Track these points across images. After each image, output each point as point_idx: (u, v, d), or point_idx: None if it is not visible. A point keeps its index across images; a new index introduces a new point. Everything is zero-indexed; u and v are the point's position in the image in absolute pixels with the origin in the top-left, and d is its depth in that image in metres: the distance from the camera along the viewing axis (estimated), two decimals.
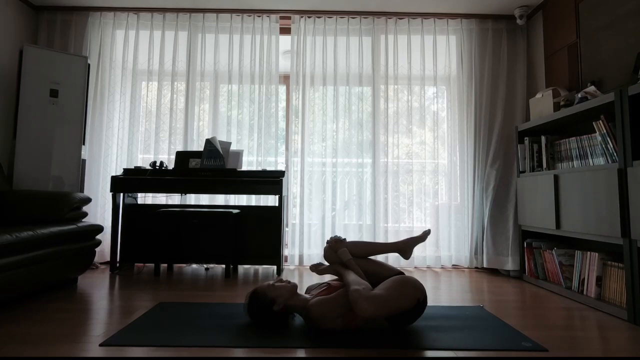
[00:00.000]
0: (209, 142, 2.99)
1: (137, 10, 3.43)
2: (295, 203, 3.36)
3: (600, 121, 2.15)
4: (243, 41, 3.44)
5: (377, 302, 1.55)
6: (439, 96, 3.47)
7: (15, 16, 3.22)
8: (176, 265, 3.20)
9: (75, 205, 2.46)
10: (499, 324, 1.81)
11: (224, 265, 3.20)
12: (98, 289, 2.40)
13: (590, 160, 2.28)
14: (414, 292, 1.64)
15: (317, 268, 1.91)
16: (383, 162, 3.37)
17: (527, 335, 1.68)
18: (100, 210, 3.29)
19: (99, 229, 2.53)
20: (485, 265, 3.15)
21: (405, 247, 1.96)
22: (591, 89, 2.31)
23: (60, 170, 2.95)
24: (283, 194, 2.95)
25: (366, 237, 3.32)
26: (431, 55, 3.47)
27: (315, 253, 3.31)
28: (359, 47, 3.44)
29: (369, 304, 1.53)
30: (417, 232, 3.34)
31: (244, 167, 3.31)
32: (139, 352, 1.44)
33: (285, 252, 3.32)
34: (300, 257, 3.28)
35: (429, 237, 3.33)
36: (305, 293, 1.91)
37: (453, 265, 3.34)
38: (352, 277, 1.70)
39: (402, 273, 1.84)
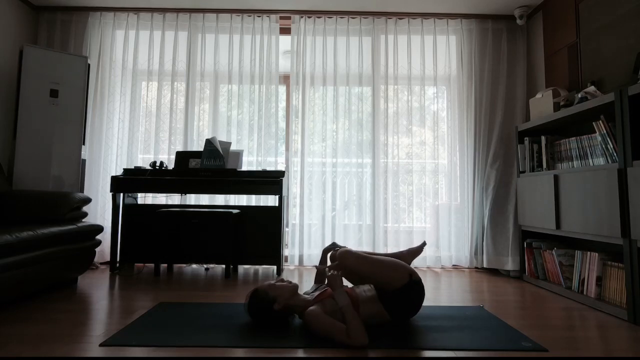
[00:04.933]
0: (209, 142, 2.99)
1: (137, 10, 3.43)
2: (295, 203, 3.36)
3: (600, 121, 2.15)
4: (243, 41, 3.44)
5: (360, 257, 1.73)
6: (439, 96, 3.47)
7: (15, 16, 3.22)
8: (176, 265, 3.20)
9: (76, 205, 2.46)
10: (499, 324, 1.81)
11: (224, 265, 3.20)
12: (98, 289, 2.40)
13: (590, 160, 2.28)
14: (403, 269, 1.72)
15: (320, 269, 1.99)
16: (383, 162, 3.37)
17: (527, 335, 1.68)
18: (100, 210, 3.29)
19: (99, 229, 2.53)
20: (485, 266, 3.15)
21: (403, 257, 2.04)
22: (591, 89, 2.31)
23: (60, 170, 2.95)
24: (283, 194, 2.95)
25: (366, 237, 3.32)
26: (431, 55, 3.47)
27: (315, 253, 3.31)
28: (359, 47, 3.44)
29: (351, 256, 1.72)
30: (416, 232, 3.34)
31: (244, 167, 3.31)
32: (139, 352, 1.44)
33: (285, 252, 3.32)
34: (300, 257, 3.28)
35: (429, 237, 3.35)
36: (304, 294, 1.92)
37: (453, 265, 3.34)
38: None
39: None
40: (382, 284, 1.72)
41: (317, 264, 2.03)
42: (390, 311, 1.70)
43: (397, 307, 1.70)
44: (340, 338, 1.51)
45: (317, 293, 1.79)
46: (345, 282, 2.49)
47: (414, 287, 1.71)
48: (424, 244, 2.07)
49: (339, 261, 1.77)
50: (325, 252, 2.09)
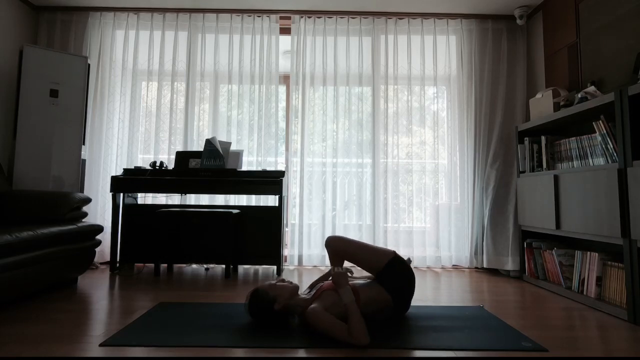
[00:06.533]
0: (209, 142, 2.99)
1: (137, 10, 3.42)
2: (295, 203, 3.36)
3: (600, 121, 2.15)
4: (243, 41, 3.44)
5: (349, 240, 1.85)
6: (439, 96, 3.47)
7: (15, 16, 3.22)
8: (176, 265, 3.20)
9: (76, 205, 2.46)
10: (499, 324, 1.81)
11: (224, 265, 3.20)
12: (98, 289, 2.40)
13: (590, 160, 2.28)
14: (387, 249, 1.87)
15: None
16: (383, 162, 3.37)
17: (527, 335, 1.68)
18: (100, 210, 3.29)
19: (99, 229, 2.53)
20: (485, 266, 3.15)
21: None
22: (591, 89, 2.31)
23: (60, 170, 2.94)
24: (283, 194, 2.95)
25: (366, 237, 3.32)
26: (431, 55, 3.47)
27: (315, 253, 3.31)
28: (359, 47, 3.44)
29: (340, 240, 1.83)
30: (416, 232, 3.34)
31: (244, 167, 3.31)
32: (139, 352, 1.44)
33: (285, 252, 3.32)
34: (300, 257, 3.28)
35: (429, 237, 3.35)
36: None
37: (453, 265, 3.34)
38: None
39: None
40: (370, 264, 1.83)
41: (318, 279, 2.07)
42: (389, 290, 1.76)
43: (393, 282, 1.78)
44: (342, 336, 1.51)
45: (314, 291, 1.79)
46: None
47: (400, 261, 1.84)
48: (410, 260, 2.08)
49: (330, 246, 1.85)
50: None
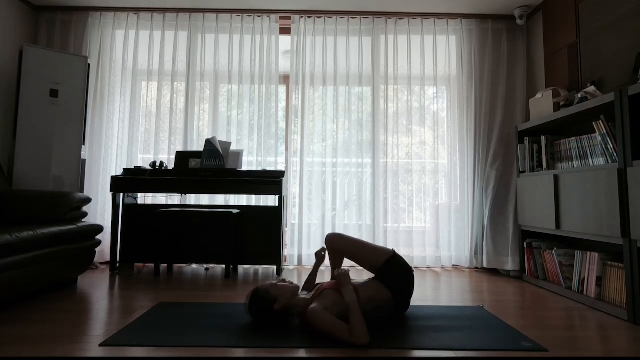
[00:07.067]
0: (209, 142, 2.99)
1: (137, 10, 3.42)
2: (295, 203, 3.36)
3: (600, 121, 2.15)
4: (243, 41, 3.44)
5: (349, 239, 1.92)
6: (439, 96, 3.47)
7: (15, 16, 3.22)
8: (176, 265, 3.20)
9: (76, 205, 2.46)
10: (499, 324, 1.81)
11: (224, 265, 3.20)
12: (98, 289, 2.40)
13: (590, 160, 2.28)
14: (386, 248, 1.91)
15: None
16: (383, 162, 3.37)
17: (527, 335, 1.68)
18: (100, 210, 3.29)
19: (99, 229, 2.53)
20: (485, 266, 3.15)
21: None
22: (591, 89, 2.31)
23: (60, 170, 2.94)
24: (283, 194, 2.95)
25: (366, 237, 3.32)
26: (431, 55, 3.47)
27: (315, 253, 3.30)
28: (359, 47, 3.44)
29: (340, 238, 1.91)
30: (416, 232, 3.34)
31: (244, 167, 3.31)
32: (139, 352, 1.44)
33: (285, 252, 3.32)
34: (300, 257, 3.28)
35: (429, 237, 3.35)
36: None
37: (453, 265, 3.34)
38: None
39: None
40: (370, 262, 1.86)
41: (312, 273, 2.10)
42: (389, 288, 1.77)
43: (393, 279, 1.79)
44: (342, 336, 1.51)
45: (314, 291, 1.79)
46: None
47: (399, 260, 1.86)
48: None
49: (330, 243, 1.90)
50: (318, 255, 2.13)
